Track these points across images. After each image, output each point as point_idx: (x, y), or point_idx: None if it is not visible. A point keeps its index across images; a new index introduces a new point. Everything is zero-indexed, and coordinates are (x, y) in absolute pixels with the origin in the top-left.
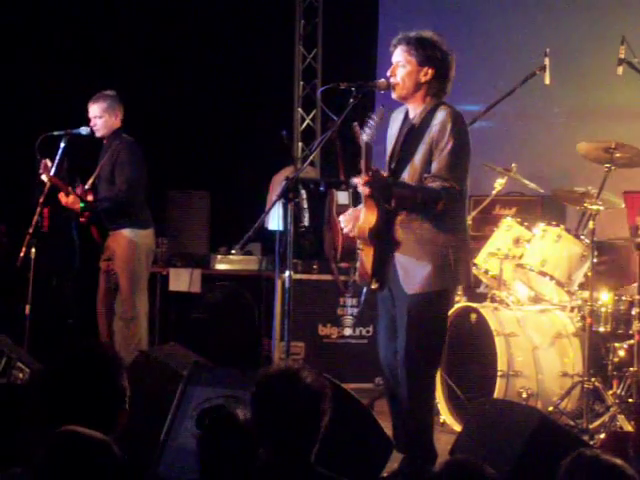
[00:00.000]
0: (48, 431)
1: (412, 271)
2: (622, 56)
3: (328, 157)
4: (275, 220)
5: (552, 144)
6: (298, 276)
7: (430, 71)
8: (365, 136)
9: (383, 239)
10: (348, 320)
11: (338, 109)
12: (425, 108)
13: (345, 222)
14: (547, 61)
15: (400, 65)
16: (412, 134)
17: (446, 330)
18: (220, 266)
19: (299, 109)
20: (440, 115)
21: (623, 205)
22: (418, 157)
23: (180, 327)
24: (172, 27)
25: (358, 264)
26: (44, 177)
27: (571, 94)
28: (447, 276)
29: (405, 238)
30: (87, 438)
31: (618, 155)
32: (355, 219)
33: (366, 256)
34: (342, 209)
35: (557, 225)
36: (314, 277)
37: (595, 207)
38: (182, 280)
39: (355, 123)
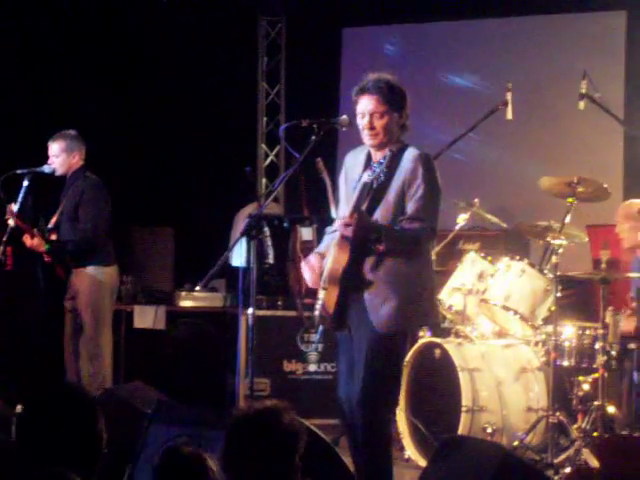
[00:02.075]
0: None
1: (381, 310)
2: (583, 91)
3: (292, 193)
4: (239, 256)
5: (515, 178)
6: (262, 312)
7: (402, 117)
8: (365, 176)
9: (350, 280)
10: (313, 356)
11: (301, 145)
12: (391, 150)
13: (310, 278)
14: (509, 96)
15: (377, 117)
16: (382, 176)
17: (402, 371)
18: (185, 303)
19: (263, 145)
20: (410, 157)
21: (587, 239)
22: (390, 198)
23: (145, 364)
24: (135, 63)
25: (319, 303)
26: (10, 222)
27: (533, 129)
28: (416, 316)
29: (375, 278)
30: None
31: (581, 189)
32: (320, 271)
33: (329, 295)
34: (306, 245)
35: (521, 259)
36: (279, 313)
37: (558, 241)
38: (147, 317)
39: (318, 159)
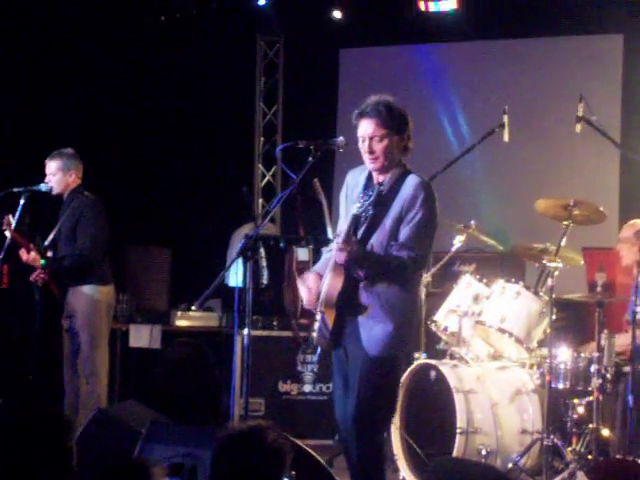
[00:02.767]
0: None
1: (373, 333)
2: (580, 114)
3: (288, 214)
4: (235, 277)
5: (511, 201)
6: (258, 332)
7: (403, 139)
8: (355, 208)
9: (346, 303)
10: (308, 376)
11: (298, 166)
12: (393, 174)
13: (306, 298)
14: (506, 118)
15: (376, 140)
16: (381, 200)
17: (397, 394)
18: (180, 322)
19: (260, 165)
20: (411, 184)
21: (582, 262)
22: (388, 223)
23: (140, 383)
24: (133, 82)
25: (317, 326)
26: (7, 233)
27: (530, 151)
28: (408, 340)
29: (370, 302)
30: None
31: (577, 212)
32: (316, 290)
33: (327, 317)
34: (302, 265)
35: (516, 282)
36: (274, 333)
37: (554, 264)
38: (142, 336)
39: (315, 180)
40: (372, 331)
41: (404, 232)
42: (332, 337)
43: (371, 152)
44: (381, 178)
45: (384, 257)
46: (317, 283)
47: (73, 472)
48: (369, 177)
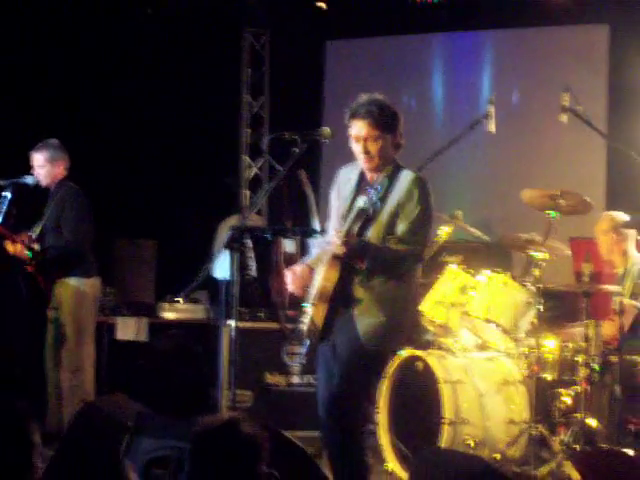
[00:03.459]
0: None
1: (368, 326)
2: (566, 104)
3: (275, 205)
4: (221, 268)
5: (497, 191)
6: (245, 324)
7: (395, 137)
8: (362, 202)
9: (340, 297)
10: (295, 368)
11: (285, 157)
12: (387, 170)
13: (292, 281)
14: (492, 109)
15: (371, 141)
16: (377, 194)
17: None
18: (167, 314)
19: (246, 157)
20: (407, 179)
21: (569, 252)
22: (383, 219)
23: (127, 376)
24: (118, 74)
25: (308, 318)
26: None
27: (515, 142)
28: (400, 334)
29: (364, 297)
30: None
31: (563, 202)
32: (303, 279)
33: (318, 311)
34: (289, 257)
35: (503, 272)
36: (261, 325)
37: (540, 254)
38: (129, 329)
39: (302, 171)
40: (365, 323)
41: (401, 226)
42: (322, 330)
43: (366, 152)
44: (374, 175)
45: (383, 249)
46: (307, 274)
47: (36, 467)
48: (361, 175)
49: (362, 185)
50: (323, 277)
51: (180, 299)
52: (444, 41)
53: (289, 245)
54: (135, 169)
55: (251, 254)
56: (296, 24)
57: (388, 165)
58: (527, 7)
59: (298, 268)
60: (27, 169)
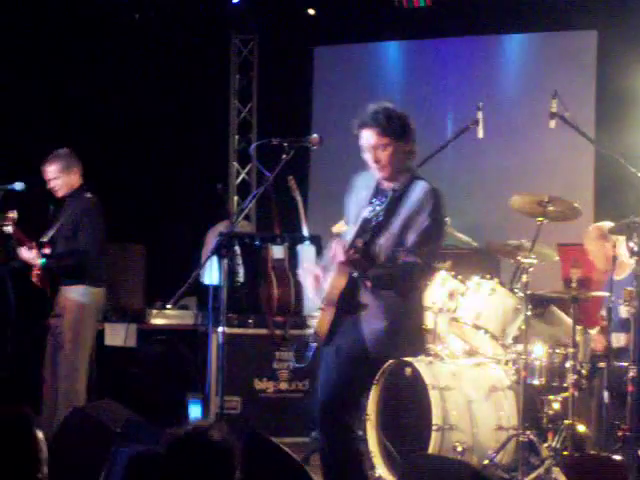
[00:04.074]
0: None
1: (372, 332)
2: (554, 110)
3: (263, 211)
4: (210, 274)
5: (485, 197)
6: (234, 330)
7: (407, 144)
8: (366, 212)
9: (346, 302)
10: (284, 374)
11: (273, 163)
12: (403, 179)
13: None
14: (480, 115)
15: (380, 149)
16: (390, 203)
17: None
18: (156, 320)
19: (234, 163)
20: (419, 191)
21: (557, 258)
22: (395, 228)
23: (116, 382)
24: (106, 82)
25: (316, 322)
26: (9, 229)
27: (504, 148)
28: (404, 343)
29: (372, 304)
30: None
31: (551, 208)
32: (316, 278)
33: (325, 315)
34: (277, 263)
35: (491, 278)
36: (250, 331)
37: (528, 260)
38: (118, 335)
39: (290, 177)
40: (369, 329)
41: (411, 238)
42: (328, 334)
43: (377, 161)
44: (390, 184)
45: (388, 264)
46: (316, 272)
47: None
48: (378, 182)
49: (377, 193)
50: (331, 283)
51: (168, 305)
52: (432, 47)
53: (278, 251)
54: (123, 174)
55: (239, 260)
56: (284, 30)
57: (404, 174)
58: (515, 13)
59: (315, 270)
60: (14, 175)
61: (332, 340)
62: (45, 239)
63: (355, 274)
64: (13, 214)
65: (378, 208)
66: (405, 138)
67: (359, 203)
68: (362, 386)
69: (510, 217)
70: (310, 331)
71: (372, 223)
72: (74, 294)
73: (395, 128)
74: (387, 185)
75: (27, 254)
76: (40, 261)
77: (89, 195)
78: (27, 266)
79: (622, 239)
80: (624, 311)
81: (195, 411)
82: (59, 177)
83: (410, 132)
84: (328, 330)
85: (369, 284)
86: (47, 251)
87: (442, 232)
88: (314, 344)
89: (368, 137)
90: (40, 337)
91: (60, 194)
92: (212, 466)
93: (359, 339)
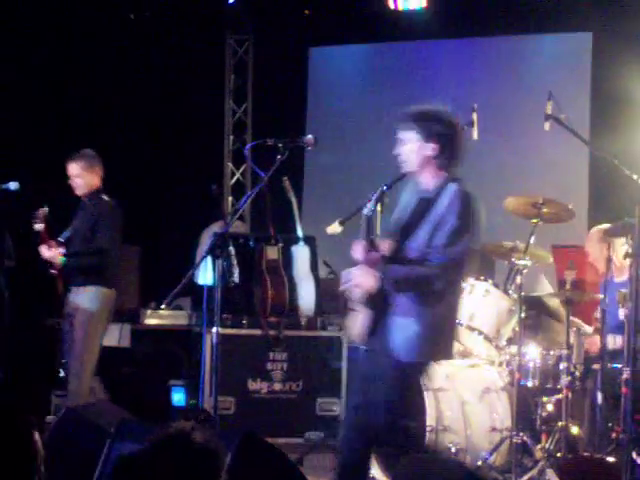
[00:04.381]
0: None
1: (405, 338)
2: (549, 112)
3: (258, 212)
4: (204, 275)
5: (480, 199)
6: (227, 331)
7: (434, 146)
8: (365, 210)
9: (378, 303)
10: (278, 375)
11: (268, 164)
12: (435, 183)
13: (358, 283)
14: (475, 116)
15: (401, 144)
16: (421, 206)
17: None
18: (150, 321)
19: (229, 163)
20: (449, 193)
21: (552, 259)
22: (425, 229)
23: (109, 382)
24: (101, 82)
25: (356, 324)
26: (40, 226)
27: (499, 150)
28: (434, 348)
29: (400, 305)
30: None
31: (546, 210)
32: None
33: (359, 317)
34: (272, 264)
35: (485, 280)
36: (243, 332)
37: (523, 262)
38: (112, 335)
39: (285, 178)
40: (400, 335)
41: (437, 238)
42: (362, 336)
43: (399, 155)
44: (425, 184)
45: (408, 269)
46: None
47: (43, 475)
48: (418, 184)
49: (416, 193)
50: (359, 283)
51: (163, 305)
52: (427, 48)
53: (272, 252)
54: (118, 175)
55: (234, 261)
56: (279, 30)
57: (440, 175)
58: (510, 15)
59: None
60: (7, 175)
61: (367, 342)
62: (61, 239)
63: (380, 275)
64: (44, 211)
65: (371, 205)
66: (432, 141)
67: (399, 206)
68: (396, 396)
69: (505, 219)
70: (346, 331)
71: (372, 219)
72: (86, 297)
73: (423, 128)
74: (422, 185)
75: (47, 253)
76: (60, 260)
77: (107, 198)
78: (45, 264)
79: (621, 241)
80: (622, 313)
81: (178, 398)
82: (81, 175)
83: (435, 133)
84: (362, 331)
85: (389, 287)
86: (62, 250)
87: (472, 233)
88: (351, 344)
89: (399, 132)
90: (40, 337)
91: (79, 192)
92: (195, 468)
93: (390, 346)
